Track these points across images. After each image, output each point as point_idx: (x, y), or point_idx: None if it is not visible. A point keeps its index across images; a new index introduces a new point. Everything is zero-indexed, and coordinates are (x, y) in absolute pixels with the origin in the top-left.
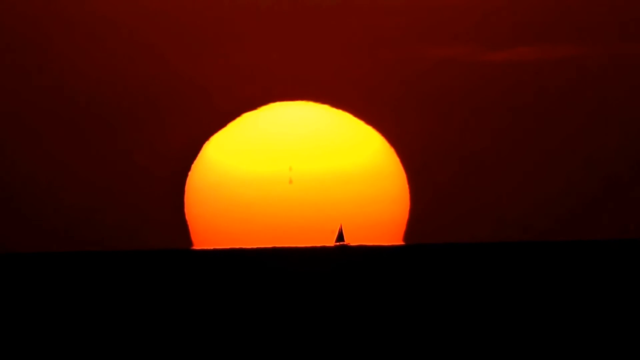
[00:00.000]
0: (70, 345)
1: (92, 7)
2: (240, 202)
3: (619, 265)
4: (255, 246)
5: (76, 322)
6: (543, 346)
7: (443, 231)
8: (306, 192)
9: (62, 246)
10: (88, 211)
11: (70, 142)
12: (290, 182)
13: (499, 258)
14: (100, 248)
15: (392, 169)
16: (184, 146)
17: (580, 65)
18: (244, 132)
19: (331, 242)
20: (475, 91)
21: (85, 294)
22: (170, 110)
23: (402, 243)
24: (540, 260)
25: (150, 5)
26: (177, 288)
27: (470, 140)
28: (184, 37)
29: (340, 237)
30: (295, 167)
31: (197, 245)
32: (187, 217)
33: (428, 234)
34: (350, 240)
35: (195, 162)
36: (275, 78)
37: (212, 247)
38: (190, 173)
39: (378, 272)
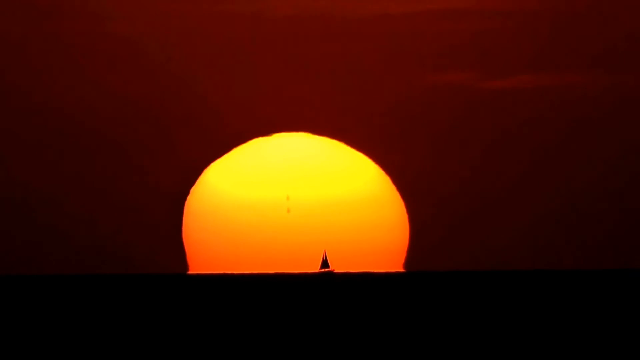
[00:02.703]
0: None
1: (105, 28)
2: (238, 228)
3: (620, 295)
4: (251, 272)
5: (69, 347)
6: None
7: (444, 258)
8: (304, 220)
9: (55, 269)
10: (83, 233)
11: (68, 161)
12: (288, 211)
13: (500, 287)
14: (96, 270)
15: (389, 196)
16: (185, 172)
17: (580, 93)
18: (243, 160)
19: (330, 268)
20: (473, 118)
21: (78, 318)
22: (172, 135)
23: (403, 270)
24: (544, 289)
25: (163, 28)
26: (170, 313)
27: (468, 168)
28: (190, 63)
29: (325, 264)
30: (292, 195)
31: (193, 270)
32: (184, 241)
33: (429, 262)
34: (349, 267)
35: (194, 187)
36: (273, 108)
37: (207, 272)
38: (188, 197)
39: (365, 299)
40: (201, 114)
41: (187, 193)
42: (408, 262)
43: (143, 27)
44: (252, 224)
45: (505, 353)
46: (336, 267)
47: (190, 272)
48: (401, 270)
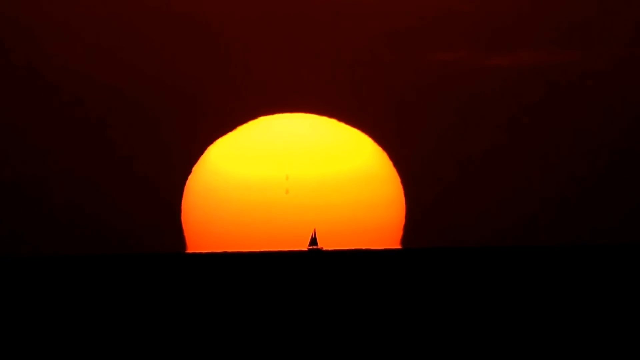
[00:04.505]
0: (65, 348)
1: (106, 11)
2: (237, 206)
3: (619, 270)
4: (247, 251)
5: (68, 326)
6: (539, 351)
7: (440, 235)
8: (302, 198)
9: (53, 249)
10: (80, 212)
11: (70, 139)
12: (287, 192)
13: (495, 262)
14: (95, 250)
15: (386, 173)
16: (186, 152)
17: (580, 69)
18: (245, 139)
19: (327, 246)
20: (471, 96)
21: (76, 297)
22: (175, 116)
23: (400, 247)
24: (539, 265)
25: (169, 8)
26: (167, 292)
27: (465, 145)
28: (197, 41)
29: (313, 241)
30: (291, 174)
31: (191, 249)
32: (182, 220)
33: (426, 238)
34: (346, 245)
35: (196, 165)
36: (272, 87)
37: (205, 251)
38: (190, 176)
39: (353, 275)
40: (206, 93)
41: (189, 172)
42: (405, 238)
43: (149, 8)
44: (251, 201)
45: (501, 330)
46: (334, 244)
47: (188, 251)
48: (398, 247)
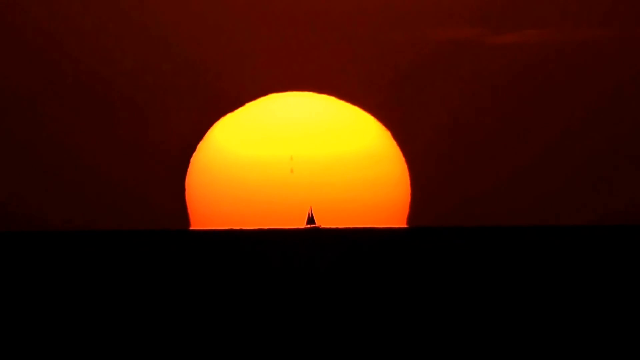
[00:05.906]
0: (66, 325)
1: None
2: (242, 184)
3: (622, 252)
4: (254, 228)
5: (70, 301)
6: (544, 333)
7: (445, 213)
8: (306, 177)
9: (58, 225)
10: (84, 188)
11: (74, 116)
12: (292, 171)
13: (502, 242)
14: (99, 225)
15: (391, 152)
16: (192, 129)
17: (586, 48)
18: (251, 117)
19: (333, 225)
20: (476, 73)
21: (79, 272)
22: (182, 92)
23: (406, 226)
24: (546, 245)
25: None
26: (170, 268)
27: (470, 123)
28: (208, 17)
29: (310, 220)
30: (296, 152)
31: (195, 226)
32: (186, 197)
33: (432, 217)
34: (352, 223)
35: (201, 143)
36: (279, 67)
37: (208, 228)
38: (195, 154)
39: (355, 255)
40: (211, 72)
41: (194, 149)
42: (411, 217)
43: None
44: (256, 182)
45: (508, 310)
46: (339, 224)
47: (191, 228)
48: (404, 225)
